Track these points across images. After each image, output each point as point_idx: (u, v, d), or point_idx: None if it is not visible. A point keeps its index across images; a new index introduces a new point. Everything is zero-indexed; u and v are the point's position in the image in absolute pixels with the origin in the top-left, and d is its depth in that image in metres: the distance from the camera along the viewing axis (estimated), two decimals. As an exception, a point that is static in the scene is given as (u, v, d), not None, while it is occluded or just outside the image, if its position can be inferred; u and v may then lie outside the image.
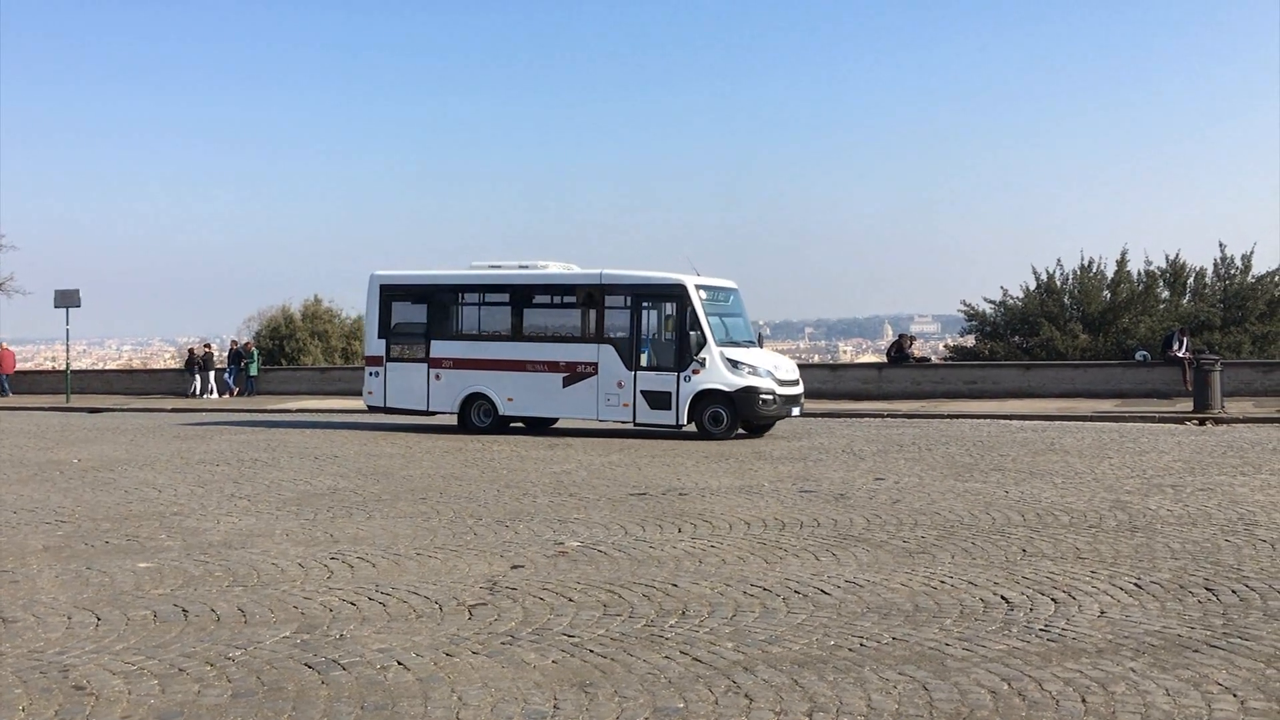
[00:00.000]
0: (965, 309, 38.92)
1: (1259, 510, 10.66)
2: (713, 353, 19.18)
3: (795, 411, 19.86)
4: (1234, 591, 7.42)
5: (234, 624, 6.88)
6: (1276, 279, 35.87)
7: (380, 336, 22.03)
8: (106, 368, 56.54)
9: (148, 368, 53.30)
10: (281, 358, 43.67)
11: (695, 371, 19.15)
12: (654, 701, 5.35)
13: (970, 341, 40.69)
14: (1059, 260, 42.67)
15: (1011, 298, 37.89)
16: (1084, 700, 5.30)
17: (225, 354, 36.69)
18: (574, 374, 20.03)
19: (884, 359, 32.71)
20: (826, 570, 8.26)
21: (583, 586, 7.79)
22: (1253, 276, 36.27)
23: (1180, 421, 21.51)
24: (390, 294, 22.11)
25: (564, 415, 20.65)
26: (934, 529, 9.93)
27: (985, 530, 9.84)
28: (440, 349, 21.34)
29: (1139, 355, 29.86)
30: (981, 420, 22.55)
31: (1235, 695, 5.34)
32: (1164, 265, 37.50)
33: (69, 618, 7.05)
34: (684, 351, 19.25)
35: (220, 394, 34.75)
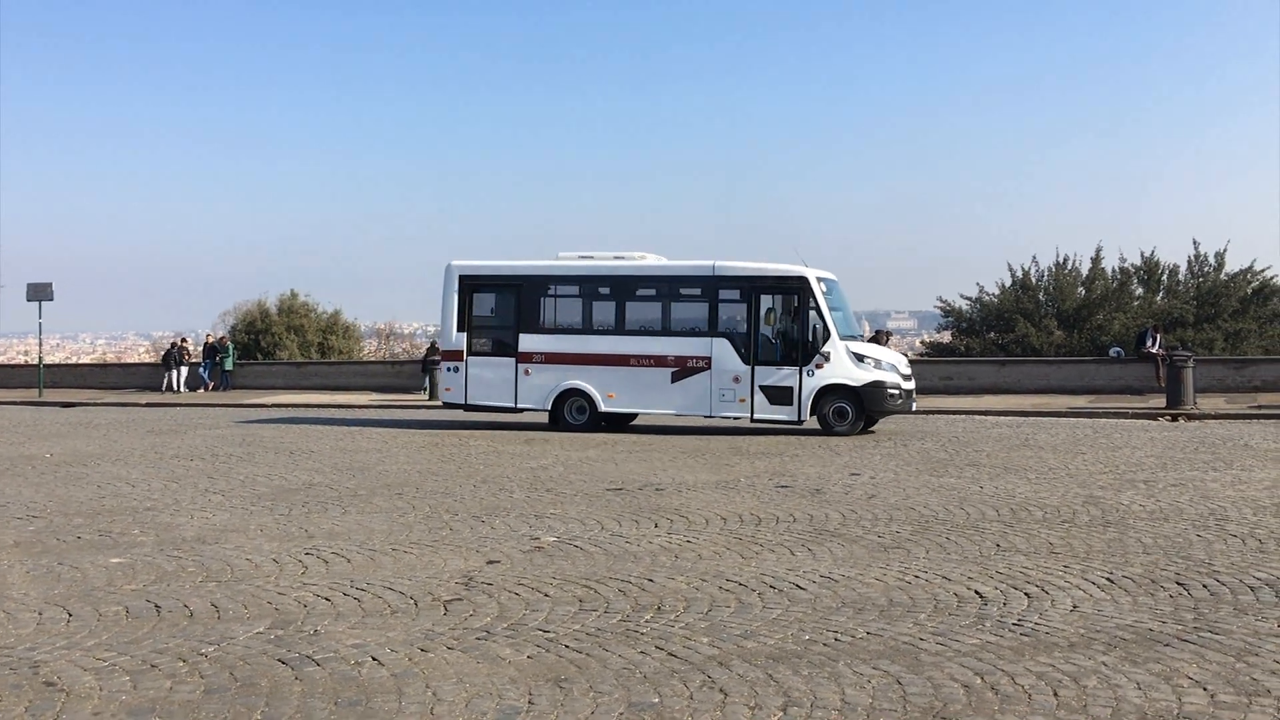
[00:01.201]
0: (942, 306, 39.13)
1: (1230, 505, 10.76)
2: (837, 346, 18.74)
3: (913, 406, 19.58)
4: (1205, 586, 7.49)
5: (207, 620, 6.83)
6: (1249, 276, 36.21)
7: (460, 330, 20.85)
8: (80, 362, 56.05)
9: (121, 361, 52.91)
10: (257, 352, 43.40)
11: (819, 366, 18.70)
12: (629, 696, 5.35)
13: (947, 338, 40.90)
14: (1034, 257, 42.78)
15: (988, 294, 38.08)
16: (1056, 694, 5.33)
17: (200, 348, 36.41)
18: (684, 369, 19.39)
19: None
20: (802, 565, 8.29)
21: (559, 582, 7.78)
22: (1225, 274, 36.59)
23: (1153, 417, 21.70)
24: (471, 285, 20.98)
25: (672, 411, 19.86)
26: (909, 524, 9.98)
27: (960, 525, 9.89)
28: (530, 343, 20.40)
29: (1113, 352, 30.11)
30: (957, 416, 22.68)
31: (1205, 689, 5.39)
32: (1138, 262, 37.80)
33: (40, 614, 6.99)
34: (806, 345, 18.83)
35: (195, 389, 34.51)
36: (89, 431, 21.15)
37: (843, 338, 19.00)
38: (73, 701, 5.33)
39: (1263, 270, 36.20)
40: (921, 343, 51.98)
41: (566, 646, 6.18)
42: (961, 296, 38.50)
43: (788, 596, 7.32)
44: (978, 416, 22.50)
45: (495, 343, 20.76)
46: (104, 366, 42.83)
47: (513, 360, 20.42)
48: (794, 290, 19.15)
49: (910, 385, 19.38)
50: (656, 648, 6.15)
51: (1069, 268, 37.73)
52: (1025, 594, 7.33)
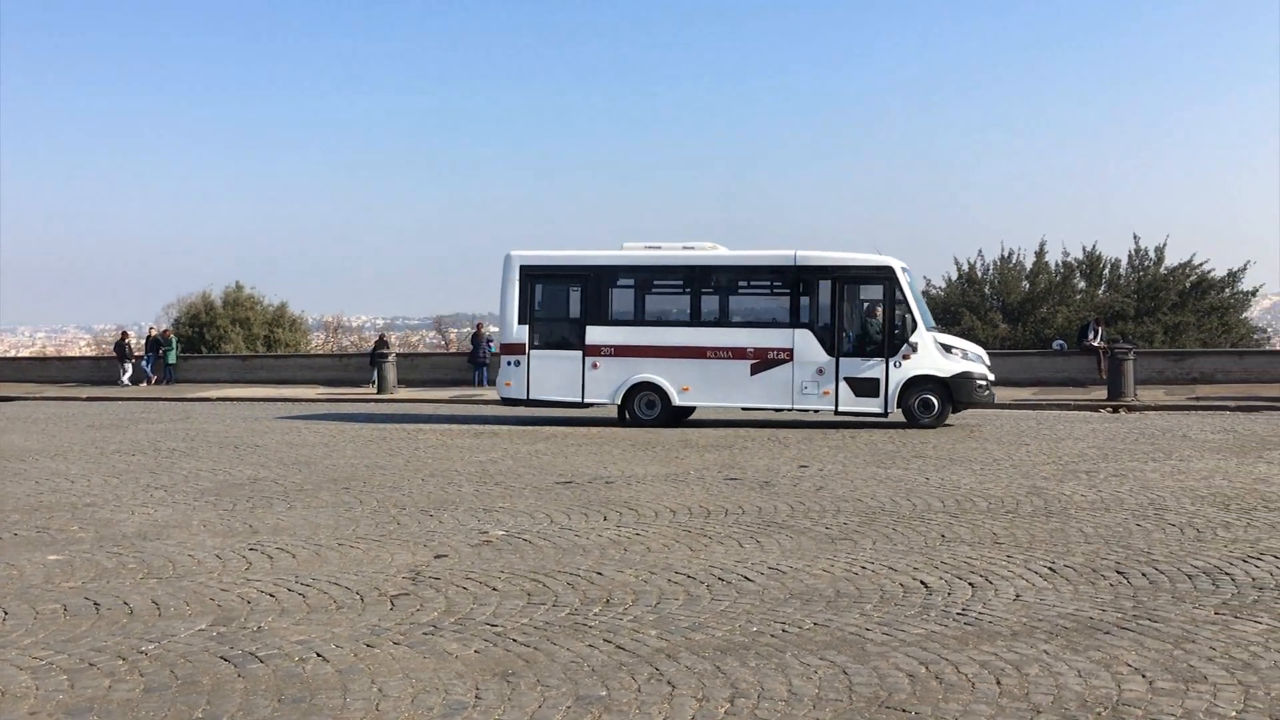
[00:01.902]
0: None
1: (1169, 495, 10.97)
2: (924, 337, 18.42)
3: (995, 398, 19.52)
4: (1144, 574, 7.62)
5: (147, 617, 6.72)
6: (1188, 270, 36.93)
7: (521, 322, 20.05)
8: (19, 355, 54.92)
9: (62, 355, 51.94)
10: (202, 345, 42.81)
11: (906, 357, 18.28)
12: (576, 690, 5.34)
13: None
14: (980, 251, 43.48)
15: (934, 287, 38.53)
16: (999, 682, 5.40)
17: (143, 342, 35.82)
18: (764, 361, 18.82)
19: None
20: (750, 557, 8.32)
21: (507, 575, 7.75)
22: (1165, 268, 37.30)
23: (1095, 409, 22.05)
24: (533, 276, 20.24)
25: (752, 404, 19.27)
26: (856, 515, 10.06)
27: (906, 516, 9.99)
28: (598, 335, 19.61)
29: (1056, 344, 30.58)
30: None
31: (1144, 676, 5.48)
32: (1081, 256, 38.43)
33: (-26, 613, 6.84)
34: (893, 336, 18.40)
35: (138, 383, 33.95)
36: (28, 426, 20.73)
37: (930, 328, 18.83)
38: (8, 701, 5.21)
39: (1200, 264, 36.97)
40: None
41: (514, 640, 6.16)
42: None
43: (736, 588, 7.35)
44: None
45: (560, 335, 19.98)
46: (44, 360, 42.10)
47: (579, 353, 19.63)
48: (880, 280, 18.71)
49: (992, 376, 19.12)
50: (605, 641, 6.14)
51: (1013, 262, 38.29)
52: (969, 584, 7.41)
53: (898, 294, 18.50)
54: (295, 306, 48.40)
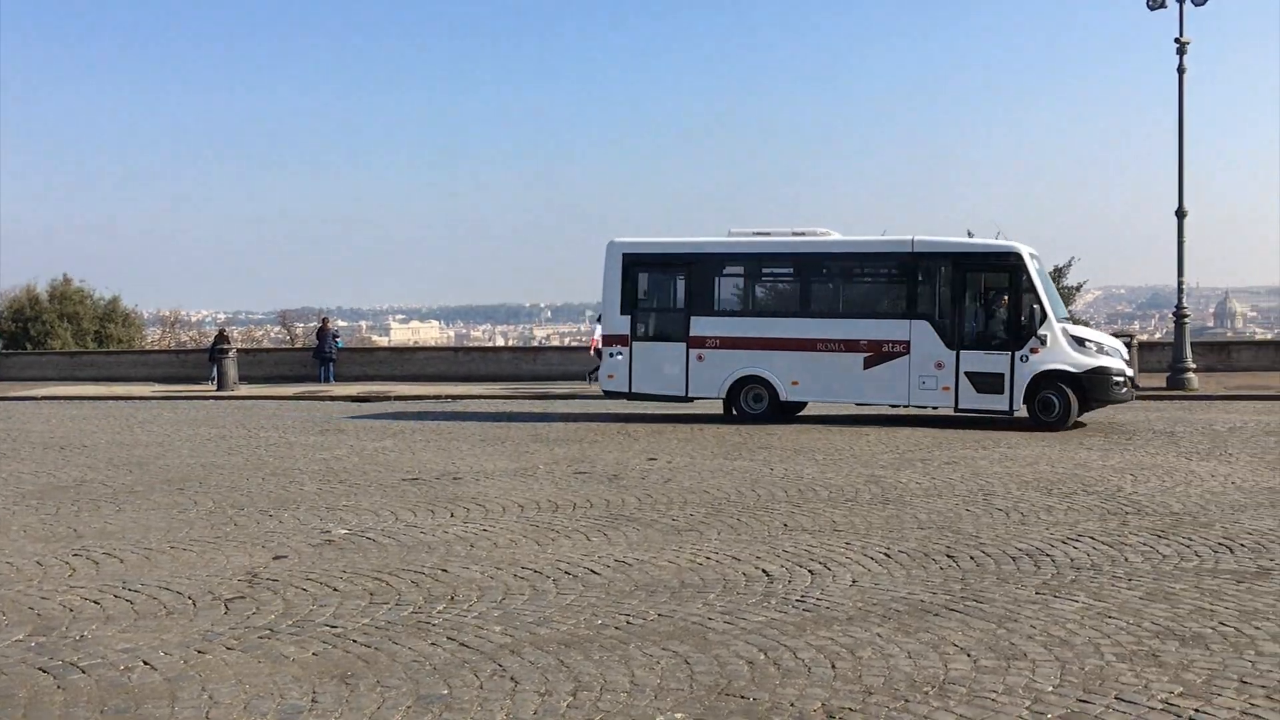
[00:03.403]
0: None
1: (996, 481, 11.48)
2: (1054, 329, 16.84)
3: (1133, 396, 17.80)
4: (972, 558, 7.96)
5: (-42, 629, 6.34)
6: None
7: (624, 313, 19.12)
8: None
9: None
10: (26, 342, 40.61)
11: (1034, 350, 16.75)
12: (417, 689, 5.27)
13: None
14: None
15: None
16: (834, 666, 5.56)
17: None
18: (879, 354, 17.62)
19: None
20: (597, 550, 8.36)
21: (349, 575, 7.59)
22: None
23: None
24: (635, 264, 19.30)
25: (865, 400, 18.11)
26: (703, 507, 10.21)
27: (751, 507, 10.19)
28: (703, 326, 18.61)
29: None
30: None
31: (969, 655, 5.72)
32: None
33: None
34: (1019, 328, 16.92)
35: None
36: None
37: (1061, 319, 17.38)
38: None
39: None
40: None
41: (354, 641, 6.04)
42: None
43: (582, 582, 7.37)
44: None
45: (663, 326, 19.12)
46: None
47: (683, 345, 18.69)
48: (1006, 267, 17.36)
49: (1131, 372, 17.68)
50: (448, 639, 6.08)
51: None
52: (809, 571, 7.61)
53: (1024, 282, 17.06)
54: (129, 301, 46.40)
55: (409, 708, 5.04)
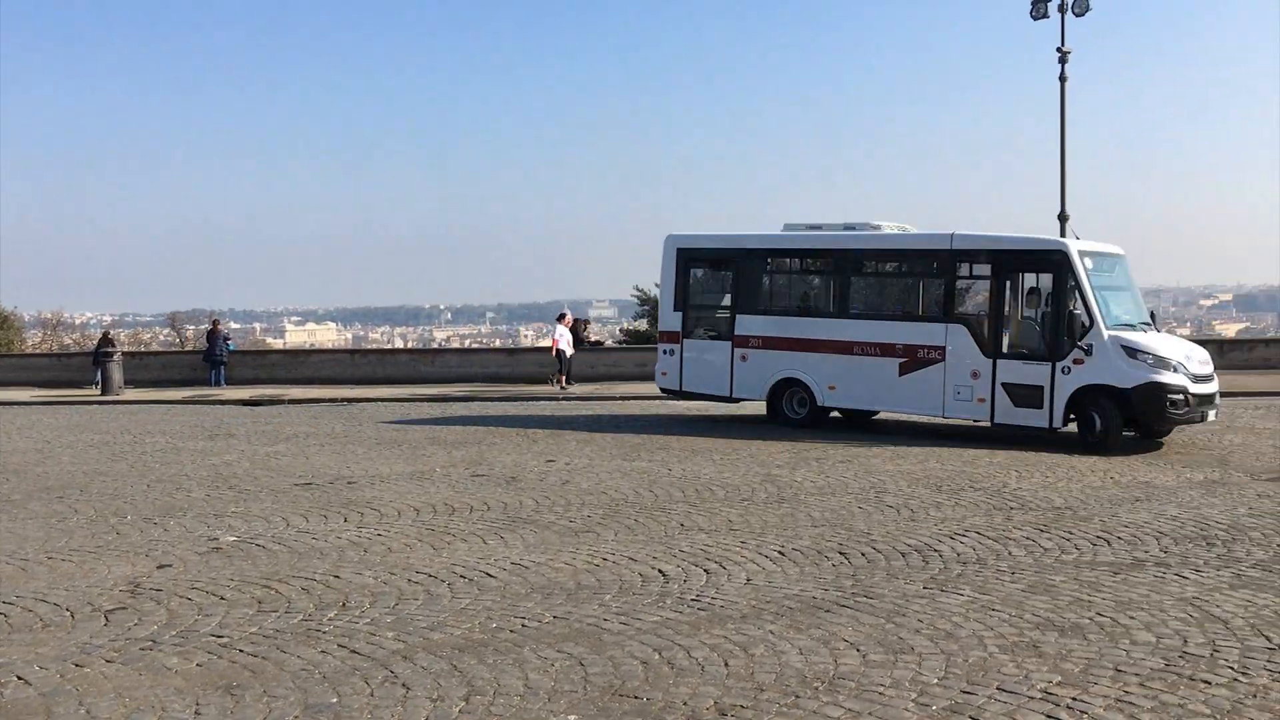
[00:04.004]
0: (638, 294, 40.34)
1: (889, 479, 11.72)
2: (1101, 337, 14.69)
3: (1211, 415, 15.07)
4: (863, 554, 8.12)
5: None
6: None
7: (676, 309, 18.48)
8: None
9: None
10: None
11: (1077, 361, 14.75)
12: (306, 698, 5.18)
13: (644, 325, 42.21)
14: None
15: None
16: (727, 664, 5.62)
17: None
18: (914, 359, 16.15)
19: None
20: (494, 553, 8.30)
21: (236, 583, 7.41)
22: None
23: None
24: (689, 259, 18.59)
25: (899, 409, 16.85)
26: (600, 508, 10.22)
27: (648, 507, 10.23)
28: (746, 325, 17.76)
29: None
30: (650, 401, 23.39)
31: (859, 650, 5.83)
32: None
33: None
34: (1062, 335, 14.90)
35: None
36: None
37: (1115, 326, 14.96)
38: None
39: None
40: (621, 330, 53.39)
41: (241, 651, 5.90)
42: (656, 285, 39.84)
43: (477, 585, 7.31)
44: (670, 401, 23.30)
45: (711, 323, 18.45)
46: None
47: (728, 344, 17.94)
48: (1050, 266, 15.46)
49: (1206, 389, 14.89)
50: (339, 646, 5.98)
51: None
52: (705, 570, 7.67)
53: (1070, 283, 15.09)
54: (8, 302, 44.70)
55: (296, 717, 4.95)
